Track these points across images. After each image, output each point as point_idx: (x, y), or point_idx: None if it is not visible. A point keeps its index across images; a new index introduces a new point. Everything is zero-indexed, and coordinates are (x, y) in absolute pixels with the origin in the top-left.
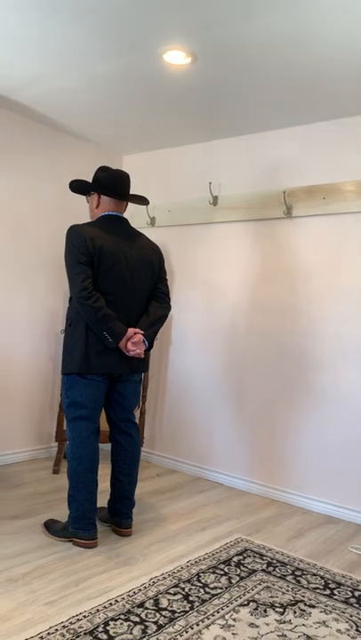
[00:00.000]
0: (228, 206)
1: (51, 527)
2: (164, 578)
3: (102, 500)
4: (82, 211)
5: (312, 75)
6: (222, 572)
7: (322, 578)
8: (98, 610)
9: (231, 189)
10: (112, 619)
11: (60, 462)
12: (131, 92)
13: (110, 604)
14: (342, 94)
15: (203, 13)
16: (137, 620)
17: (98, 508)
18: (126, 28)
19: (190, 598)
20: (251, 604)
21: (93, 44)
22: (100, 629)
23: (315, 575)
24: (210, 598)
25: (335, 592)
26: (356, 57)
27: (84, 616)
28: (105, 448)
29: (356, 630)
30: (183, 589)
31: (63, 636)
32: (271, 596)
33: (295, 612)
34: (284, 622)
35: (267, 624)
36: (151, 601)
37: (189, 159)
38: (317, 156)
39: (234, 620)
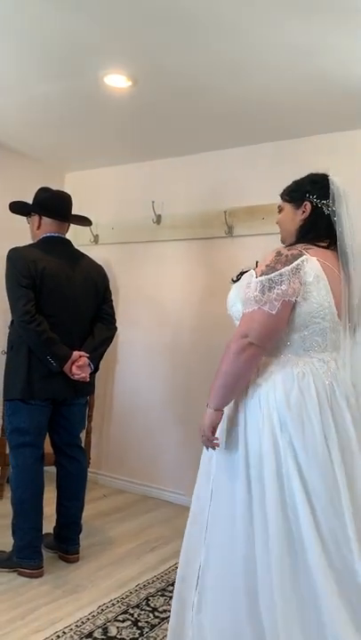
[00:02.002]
0: (171, 225)
1: None
2: (113, 604)
3: (48, 525)
4: (18, 224)
5: (252, 100)
6: (171, 595)
7: None
8: None
9: (174, 208)
10: None
11: (3, 487)
12: (72, 112)
13: (58, 636)
14: (281, 118)
15: (144, 39)
16: None
17: (43, 535)
18: (67, 50)
19: (140, 624)
20: None
21: (33, 64)
22: None
23: None
24: (159, 623)
25: None
26: (295, 85)
27: None
28: (50, 470)
29: None
30: (132, 615)
31: None
32: None
33: None
34: None
35: None
36: (100, 630)
37: (133, 178)
38: (257, 178)
39: None
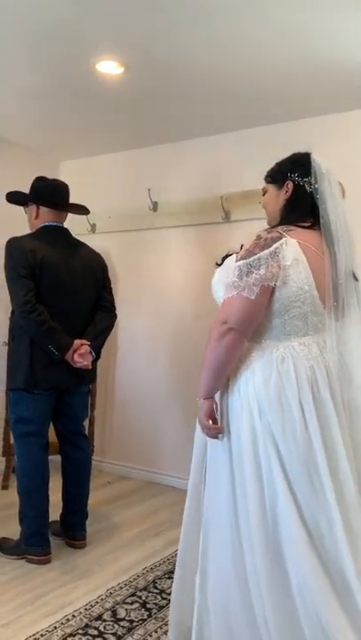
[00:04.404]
0: (168, 212)
1: (2, 546)
2: (121, 588)
3: (54, 513)
4: (16, 215)
5: (245, 83)
6: None
7: None
8: (55, 627)
9: (170, 195)
10: (70, 634)
11: (8, 477)
12: (66, 101)
13: (67, 619)
14: (273, 102)
15: (135, 25)
16: (95, 633)
17: (50, 522)
18: (58, 38)
19: (148, 606)
20: None
21: (25, 54)
22: None
23: None
24: (167, 604)
25: None
26: (288, 67)
27: (42, 635)
28: (55, 459)
29: None
30: (140, 597)
31: None
32: None
33: None
34: None
35: None
36: (109, 612)
37: (128, 165)
38: (252, 162)
39: None
